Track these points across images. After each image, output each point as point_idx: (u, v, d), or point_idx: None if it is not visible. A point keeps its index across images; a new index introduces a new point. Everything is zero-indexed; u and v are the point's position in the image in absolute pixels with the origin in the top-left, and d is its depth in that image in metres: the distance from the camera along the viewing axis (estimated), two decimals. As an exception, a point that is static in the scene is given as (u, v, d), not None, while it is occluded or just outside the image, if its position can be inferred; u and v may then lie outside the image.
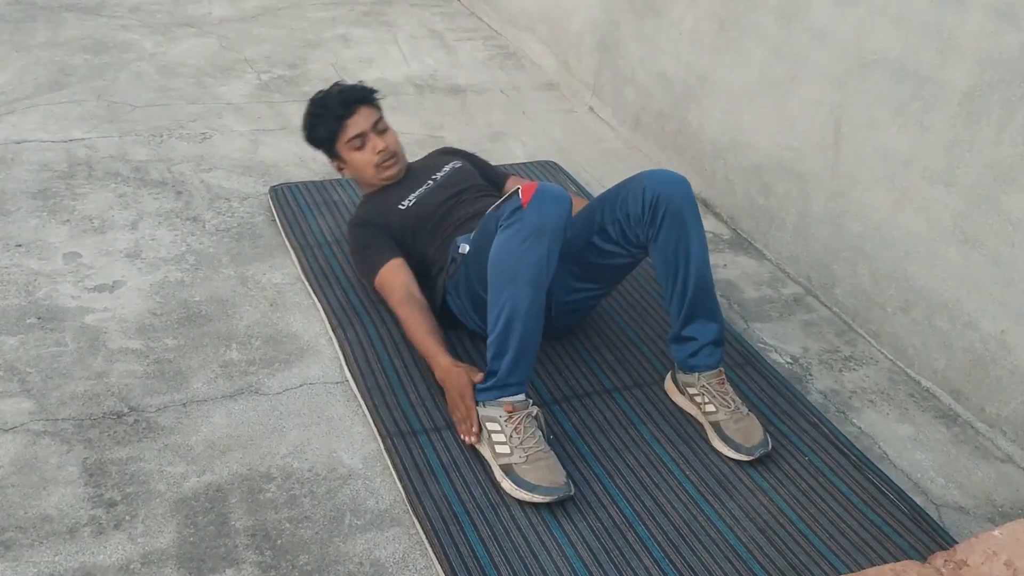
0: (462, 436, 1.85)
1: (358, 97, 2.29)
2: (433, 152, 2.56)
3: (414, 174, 2.35)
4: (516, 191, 1.80)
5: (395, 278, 2.13)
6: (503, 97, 3.67)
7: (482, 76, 3.85)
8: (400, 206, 2.25)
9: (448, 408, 1.91)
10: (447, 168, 2.36)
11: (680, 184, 1.90)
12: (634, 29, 3.34)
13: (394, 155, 2.30)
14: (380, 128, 2.29)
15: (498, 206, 1.86)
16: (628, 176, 1.98)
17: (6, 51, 3.53)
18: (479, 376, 1.86)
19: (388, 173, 2.30)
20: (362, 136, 2.25)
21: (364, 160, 2.27)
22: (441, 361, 1.94)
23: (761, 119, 2.75)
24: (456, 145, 3.15)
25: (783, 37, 2.63)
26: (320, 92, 2.33)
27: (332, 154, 2.33)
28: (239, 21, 4.15)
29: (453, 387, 1.88)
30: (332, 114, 2.26)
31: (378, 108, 2.33)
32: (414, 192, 2.28)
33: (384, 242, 2.20)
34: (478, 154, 2.63)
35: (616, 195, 1.94)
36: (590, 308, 2.19)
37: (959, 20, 2.09)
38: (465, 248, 2.06)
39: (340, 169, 2.37)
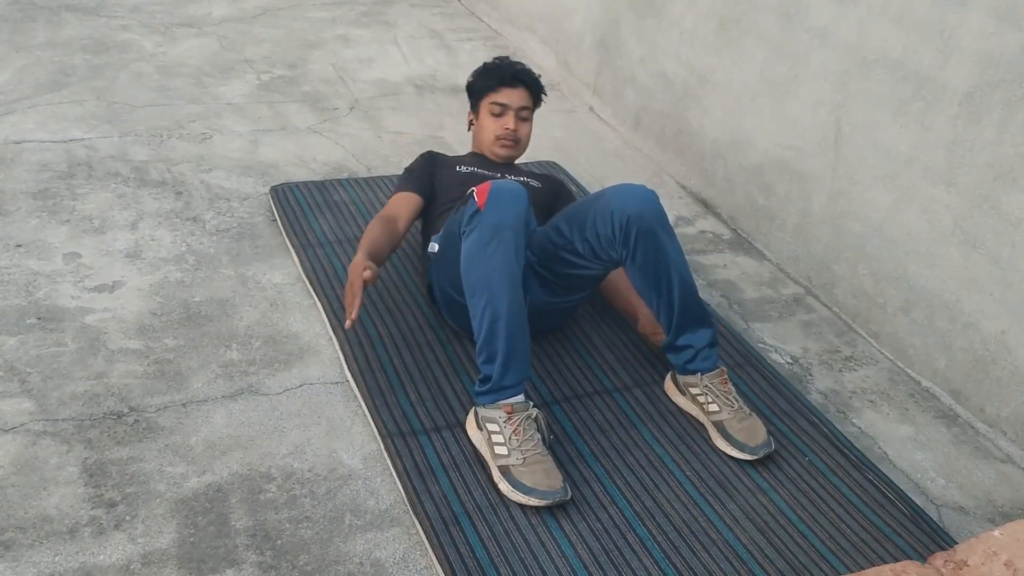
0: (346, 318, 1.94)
1: (526, 79, 2.37)
2: (552, 176, 2.51)
3: (509, 167, 2.42)
4: (471, 193, 1.82)
5: (394, 203, 2.26)
6: (503, 97, 3.67)
7: (482, 76, 3.85)
8: (459, 167, 2.35)
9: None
10: (526, 180, 2.37)
11: (648, 201, 1.89)
12: (634, 29, 3.33)
13: (516, 141, 2.38)
14: (523, 115, 2.37)
15: (458, 209, 1.90)
16: (628, 177, 1.98)
17: (6, 51, 3.53)
18: (369, 273, 1.91)
19: (500, 151, 2.38)
20: (504, 108, 2.34)
21: (491, 127, 2.36)
22: (357, 256, 2.01)
23: (761, 119, 2.75)
24: (457, 144, 3.15)
25: (783, 37, 2.62)
26: (504, 56, 2.45)
27: (473, 106, 2.44)
28: (239, 21, 4.15)
29: (350, 277, 1.95)
30: (497, 75, 2.36)
31: (536, 101, 2.41)
32: (481, 171, 2.35)
33: (419, 179, 2.33)
34: None
35: (584, 214, 1.91)
36: (569, 312, 2.20)
37: (960, 20, 2.09)
38: (435, 248, 2.12)
39: (470, 122, 2.47)
